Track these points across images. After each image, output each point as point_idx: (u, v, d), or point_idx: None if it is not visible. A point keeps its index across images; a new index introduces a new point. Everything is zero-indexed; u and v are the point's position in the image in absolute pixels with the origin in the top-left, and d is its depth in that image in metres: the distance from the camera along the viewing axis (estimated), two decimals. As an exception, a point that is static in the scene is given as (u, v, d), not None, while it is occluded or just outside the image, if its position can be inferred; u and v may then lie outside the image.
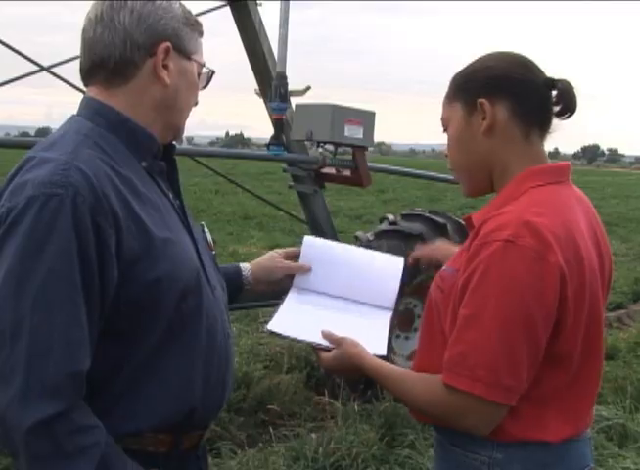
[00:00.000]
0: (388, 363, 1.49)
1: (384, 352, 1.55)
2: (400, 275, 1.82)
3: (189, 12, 1.41)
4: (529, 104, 1.39)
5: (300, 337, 1.60)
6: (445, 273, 1.44)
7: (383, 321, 1.73)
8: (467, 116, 1.42)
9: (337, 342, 1.53)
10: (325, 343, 1.55)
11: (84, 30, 1.33)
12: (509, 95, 1.38)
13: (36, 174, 1.18)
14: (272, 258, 1.85)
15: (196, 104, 1.46)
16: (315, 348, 1.57)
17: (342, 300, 1.77)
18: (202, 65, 1.43)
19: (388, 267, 1.84)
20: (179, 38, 1.35)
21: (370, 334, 1.61)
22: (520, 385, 1.28)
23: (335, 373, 1.58)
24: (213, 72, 1.47)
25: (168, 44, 1.32)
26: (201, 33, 1.42)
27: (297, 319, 1.67)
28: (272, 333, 1.61)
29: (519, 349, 1.26)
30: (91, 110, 1.33)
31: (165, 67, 1.33)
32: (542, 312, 1.26)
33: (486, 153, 1.41)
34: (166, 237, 1.29)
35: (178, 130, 1.44)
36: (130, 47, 1.29)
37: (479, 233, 1.33)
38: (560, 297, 1.27)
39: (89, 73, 1.34)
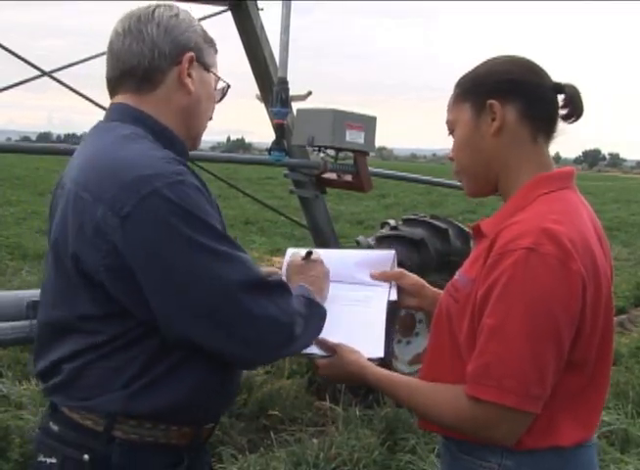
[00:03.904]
0: (394, 373, 1.47)
1: (381, 354, 1.51)
2: (393, 259, 1.75)
3: (206, 31, 1.49)
4: (538, 107, 1.40)
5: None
6: (459, 283, 1.41)
7: (379, 316, 1.62)
8: (475, 117, 1.42)
9: (331, 349, 1.51)
10: (320, 352, 1.51)
11: (111, 43, 1.41)
12: (519, 97, 1.39)
13: (143, 171, 1.25)
14: None
15: (210, 119, 1.52)
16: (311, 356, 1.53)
17: (333, 283, 1.66)
18: (218, 78, 1.51)
19: (380, 256, 1.77)
20: (200, 51, 1.44)
21: (366, 334, 1.55)
22: (546, 393, 1.27)
23: (334, 381, 1.56)
24: (229, 87, 1.55)
25: (192, 54, 1.41)
26: (216, 51, 1.51)
27: None
28: None
29: (546, 357, 1.25)
30: (129, 116, 1.39)
31: (189, 75, 1.41)
32: (568, 320, 1.25)
33: (493, 154, 1.41)
34: None
35: (196, 139, 1.51)
36: (158, 56, 1.39)
37: (495, 243, 1.31)
38: (581, 304, 1.27)
39: (119, 82, 1.42)
